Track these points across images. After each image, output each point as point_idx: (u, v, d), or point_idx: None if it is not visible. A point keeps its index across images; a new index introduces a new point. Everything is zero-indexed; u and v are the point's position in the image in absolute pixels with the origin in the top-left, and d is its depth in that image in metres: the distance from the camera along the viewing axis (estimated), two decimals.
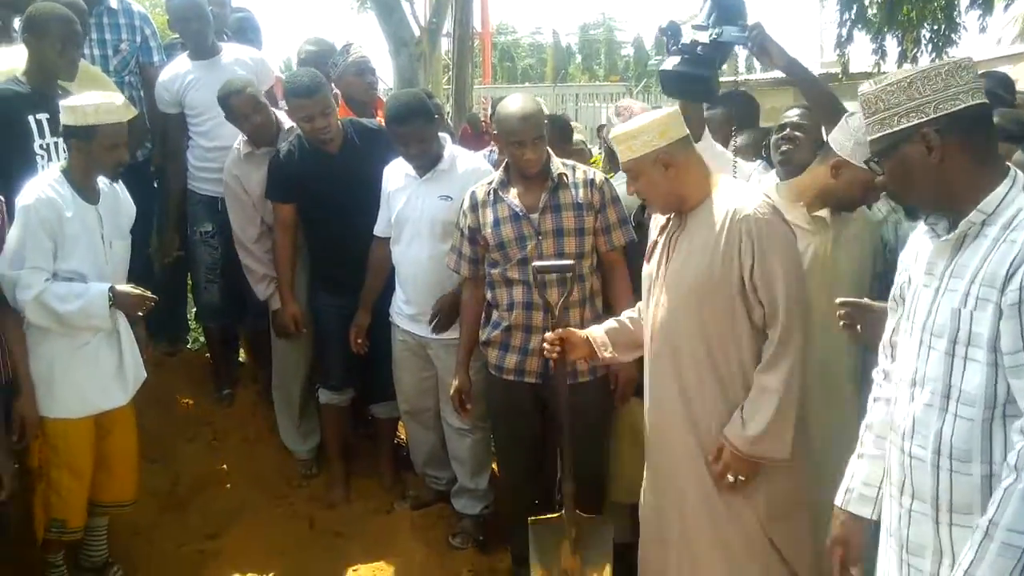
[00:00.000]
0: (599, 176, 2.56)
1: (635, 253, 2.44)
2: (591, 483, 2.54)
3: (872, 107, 1.38)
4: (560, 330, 2.21)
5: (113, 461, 2.55)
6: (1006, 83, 3.04)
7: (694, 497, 1.99)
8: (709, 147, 2.51)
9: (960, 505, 1.32)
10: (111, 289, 2.36)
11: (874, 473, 1.55)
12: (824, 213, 2.09)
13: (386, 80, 8.31)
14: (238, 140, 3.11)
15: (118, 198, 2.56)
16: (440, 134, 2.88)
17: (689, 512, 2.00)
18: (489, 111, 4.95)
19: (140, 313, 2.47)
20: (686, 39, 2.23)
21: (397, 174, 2.85)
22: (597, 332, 2.22)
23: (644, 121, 1.96)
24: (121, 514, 2.70)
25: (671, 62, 2.32)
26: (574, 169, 2.54)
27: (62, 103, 2.37)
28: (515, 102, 2.49)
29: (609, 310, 2.49)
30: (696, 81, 2.28)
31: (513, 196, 2.51)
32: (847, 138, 2.02)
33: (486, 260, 2.57)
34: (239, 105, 3.00)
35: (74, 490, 2.44)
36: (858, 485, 1.58)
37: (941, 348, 1.34)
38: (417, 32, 9.06)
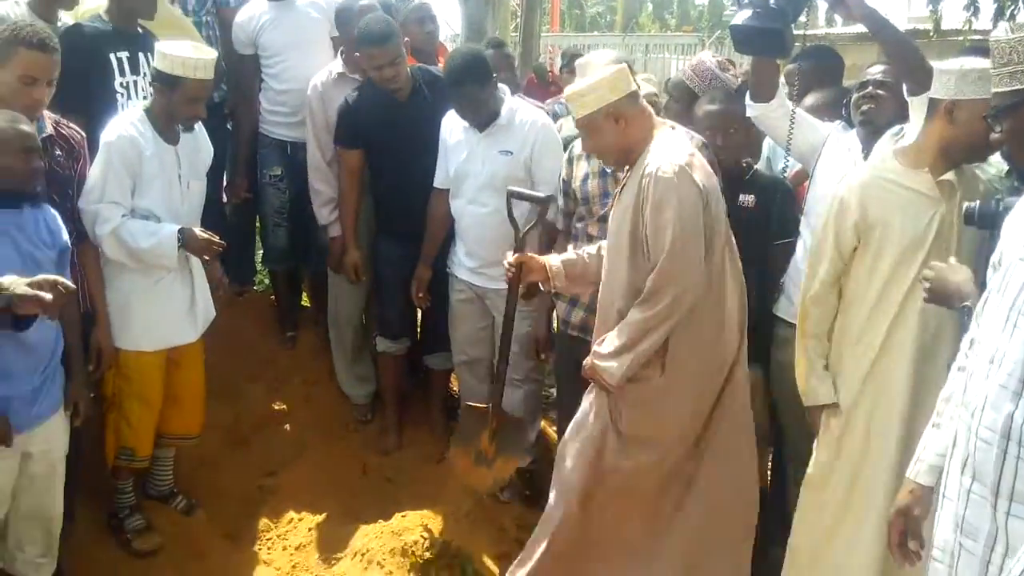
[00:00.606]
0: (696, 139, 2.46)
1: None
2: None
3: (1005, 57, 1.27)
4: (520, 254, 2.30)
5: (182, 395, 2.65)
6: None
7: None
8: (778, 107, 2.41)
9: (1021, 494, 1.27)
10: (181, 231, 2.41)
11: (947, 445, 1.49)
12: (950, 176, 1.93)
13: (453, 26, 8.14)
14: (336, 62, 3.12)
15: (197, 139, 2.60)
16: (500, 86, 2.83)
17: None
18: (557, 61, 4.82)
19: (207, 256, 2.52)
20: None
21: (456, 126, 2.82)
22: (554, 261, 2.33)
23: (594, 79, 2.04)
24: (186, 447, 2.82)
25: (742, 16, 2.23)
26: (672, 128, 2.44)
27: (157, 46, 2.41)
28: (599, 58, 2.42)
29: None
30: (768, 35, 2.18)
31: None
32: (949, 78, 1.85)
33: (575, 215, 2.57)
34: (341, 19, 3.04)
35: (144, 420, 2.55)
36: (930, 456, 1.53)
37: None
38: None
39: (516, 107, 2.80)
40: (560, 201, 2.63)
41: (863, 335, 2.04)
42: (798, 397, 2.18)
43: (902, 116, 2.20)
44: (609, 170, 2.47)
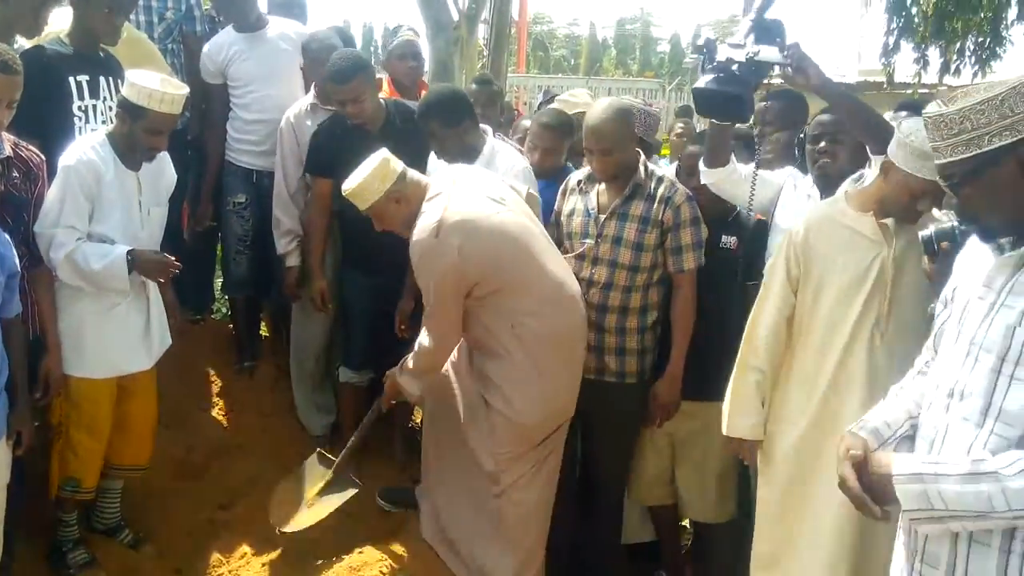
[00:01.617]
0: (680, 194, 2.52)
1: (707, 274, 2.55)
2: (609, 483, 2.62)
3: (955, 127, 1.30)
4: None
5: (132, 424, 2.58)
6: None
7: None
8: (732, 171, 2.47)
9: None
10: (131, 252, 2.38)
11: (896, 417, 1.52)
12: (889, 222, 2.03)
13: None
14: (310, 93, 3.16)
15: (161, 164, 2.57)
16: (482, 126, 2.87)
17: None
18: (524, 100, 4.91)
19: (162, 279, 2.48)
20: (722, 57, 2.17)
21: (441, 162, 2.84)
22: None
23: (364, 175, 2.32)
24: (135, 478, 2.73)
25: (704, 79, 2.25)
26: (660, 181, 2.53)
27: (128, 74, 2.39)
28: (595, 109, 2.51)
29: (667, 330, 2.55)
30: (729, 100, 2.20)
31: (595, 192, 2.57)
32: (895, 143, 1.96)
33: (562, 247, 2.60)
34: (309, 56, 3.09)
35: (91, 450, 2.48)
36: (876, 420, 1.53)
37: (988, 363, 1.30)
38: (456, 17, 9.01)
39: (497, 148, 2.84)
40: (551, 230, 2.66)
41: (810, 374, 2.08)
42: None
43: (857, 160, 2.30)
44: (592, 212, 2.54)
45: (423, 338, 2.40)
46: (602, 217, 2.53)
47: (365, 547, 2.64)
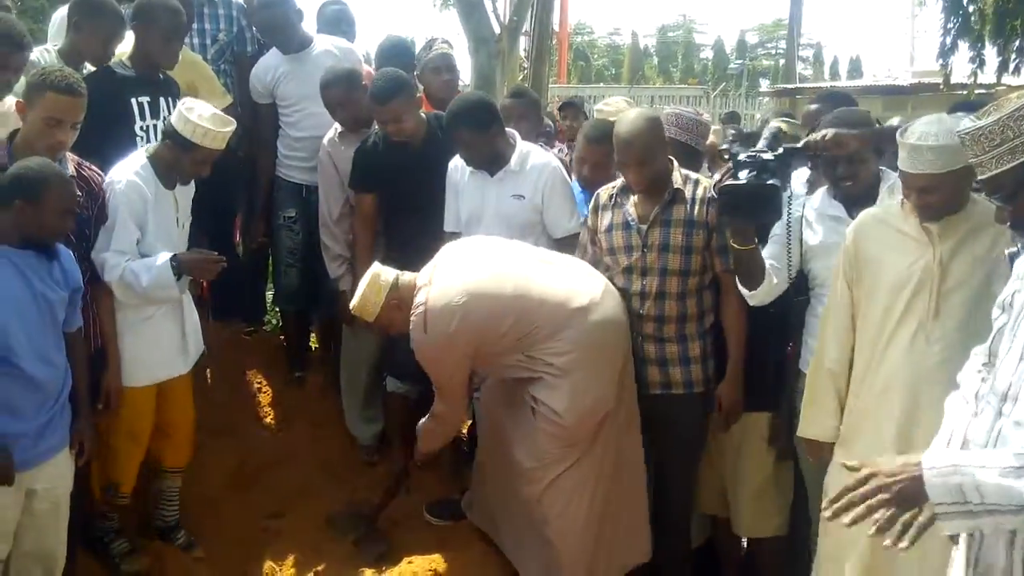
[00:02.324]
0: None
1: None
2: (680, 495, 2.59)
3: (997, 137, 1.30)
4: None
5: (173, 428, 2.66)
6: None
7: None
8: (771, 281, 2.34)
9: None
10: (174, 257, 2.44)
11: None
12: (932, 225, 1.98)
13: (464, 77, 8.36)
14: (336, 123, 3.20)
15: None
16: (508, 131, 2.88)
17: None
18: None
19: (209, 277, 2.56)
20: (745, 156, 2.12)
21: (464, 169, 2.86)
22: None
23: (361, 290, 2.46)
24: (189, 487, 2.80)
25: (730, 179, 2.16)
26: (696, 184, 2.51)
27: (180, 104, 2.48)
28: (624, 121, 2.48)
29: (722, 331, 2.51)
30: (765, 194, 2.07)
31: (631, 204, 2.54)
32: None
33: (602, 264, 2.59)
34: (327, 98, 3.10)
35: (131, 456, 2.56)
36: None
37: None
38: (497, 30, 9.09)
39: (527, 151, 2.85)
40: (589, 250, 2.65)
41: (858, 377, 2.08)
42: None
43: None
44: (633, 223, 2.51)
45: (434, 410, 2.56)
46: (644, 227, 2.49)
47: (413, 557, 2.65)
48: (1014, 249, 1.75)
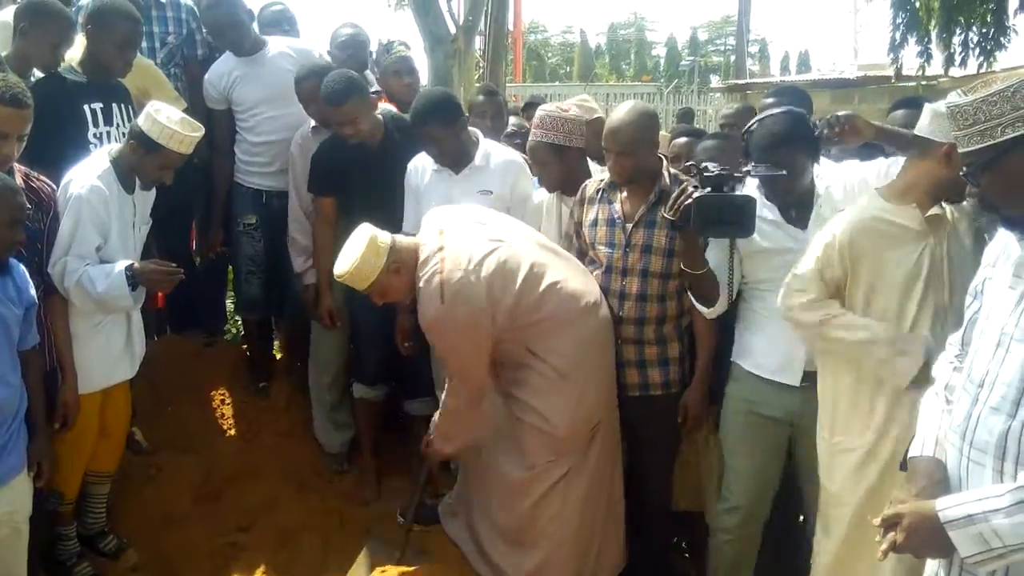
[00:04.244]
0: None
1: None
2: (659, 496, 2.61)
3: (970, 118, 1.34)
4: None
5: (111, 429, 2.61)
6: None
7: None
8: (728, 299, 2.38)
9: None
10: (130, 268, 2.37)
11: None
12: (937, 210, 1.99)
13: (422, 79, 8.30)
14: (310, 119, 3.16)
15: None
16: (472, 129, 2.88)
17: None
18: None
19: (166, 289, 2.53)
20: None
21: (426, 169, 2.85)
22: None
23: (359, 254, 2.24)
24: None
25: (704, 191, 2.12)
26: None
27: (148, 106, 2.41)
28: (618, 111, 2.46)
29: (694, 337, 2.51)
30: (738, 208, 2.08)
31: (618, 200, 2.51)
32: (934, 121, 1.92)
33: (587, 258, 2.56)
34: (300, 92, 3.06)
35: (75, 463, 2.50)
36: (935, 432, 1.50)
37: (1020, 353, 1.30)
38: (453, 30, 9.06)
39: (490, 148, 2.85)
40: (575, 243, 2.62)
41: (868, 374, 2.04)
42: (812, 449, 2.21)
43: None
44: (618, 220, 2.49)
45: (449, 401, 2.39)
46: (629, 226, 2.47)
47: (387, 566, 2.62)
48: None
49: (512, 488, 2.40)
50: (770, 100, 3.14)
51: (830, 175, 2.38)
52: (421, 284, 2.25)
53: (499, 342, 2.32)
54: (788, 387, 2.29)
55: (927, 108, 1.99)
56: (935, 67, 5.99)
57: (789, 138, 2.24)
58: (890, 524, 1.37)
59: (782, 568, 2.56)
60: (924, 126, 1.98)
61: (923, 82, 6.10)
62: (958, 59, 5.65)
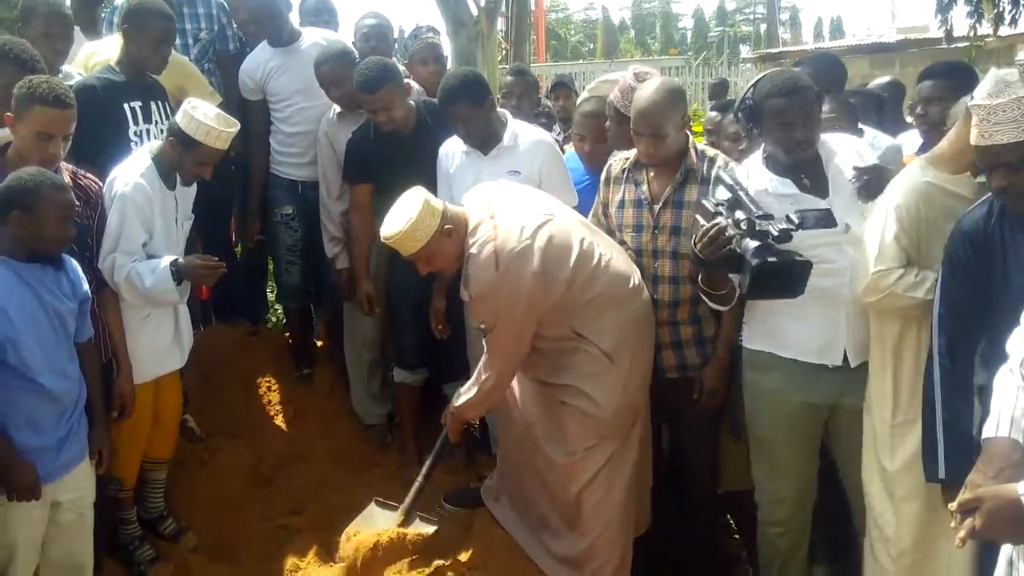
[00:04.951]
0: (733, 170, 2.42)
1: None
2: (704, 477, 2.59)
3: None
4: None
5: (164, 418, 2.69)
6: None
7: None
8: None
9: None
10: (174, 263, 2.44)
11: None
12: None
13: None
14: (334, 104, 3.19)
15: None
16: (500, 110, 2.87)
17: None
18: (545, 91, 4.90)
19: (210, 283, 2.56)
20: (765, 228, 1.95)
21: (456, 152, 2.85)
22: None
23: (414, 214, 2.17)
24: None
25: (757, 257, 1.93)
26: (712, 162, 2.43)
27: (186, 103, 2.46)
28: (645, 90, 2.38)
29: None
30: (795, 272, 1.95)
31: (644, 180, 2.48)
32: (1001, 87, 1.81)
33: (615, 237, 2.53)
34: (320, 77, 3.09)
35: (132, 451, 2.58)
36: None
37: None
38: (475, 12, 9.00)
39: (518, 128, 2.84)
40: (602, 222, 2.59)
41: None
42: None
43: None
44: (645, 201, 2.45)
45: (483, 370, 2.35)
46: (656, 207, 2.43)
47: (436, 548, 2.66)
48: None
49: (556, 474, 2.40)
50: (799, 69, 3.06)
51: (833, 145, 2.27)
52: (472, 250, 2.19)
53: (546, 325, 2.28)
54: (829, 369, 2.23)
55: (992, 73, 1.88)
56: (984, 27, 5.76)
57: (795, 88, 2.13)
58: (967, 509, 1.32)
59: (832, 547, 2.54)
60: (984, 90, 1.87)
61: (976, 43, 5.88)
62: (1008, 17, 5.44)
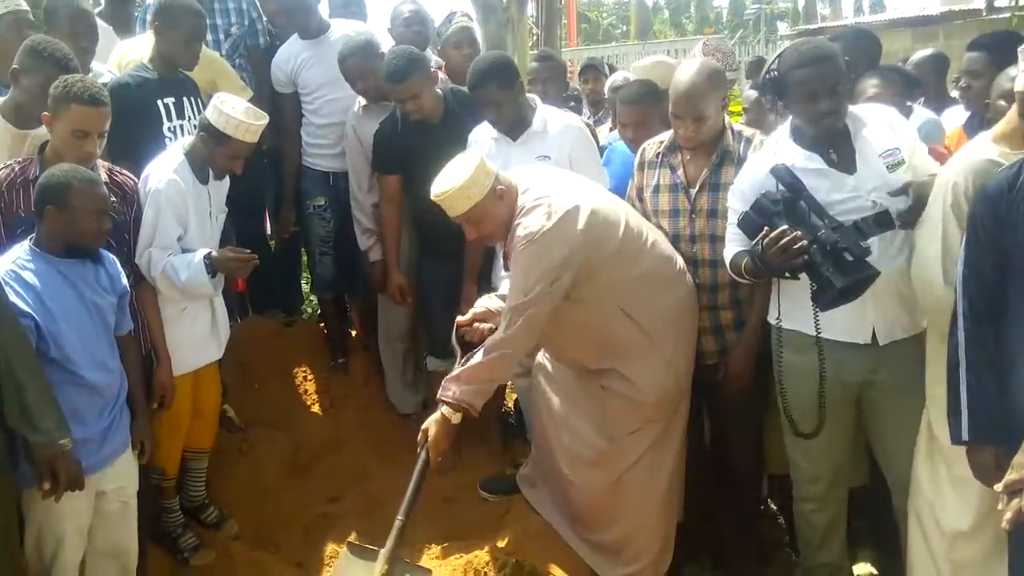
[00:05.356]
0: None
1: None
2: (746, 464, 2.56)
3: None
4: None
5: (204, 409, 2.73)
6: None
7: None
8: None
9: None
10: (208, 256, 2.47)
11: None
12: None
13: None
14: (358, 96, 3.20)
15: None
16: (529, 95, 2.84)
17: None
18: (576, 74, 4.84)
19: (243, 275, 2.60)
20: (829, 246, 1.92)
21: (485, 139, 2.84)
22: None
23: (469, 172, 2.12)
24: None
25: (840, 281, 1.93)
26: (748, 142, 2.39)
27: (215, 98, 2.49)
28: (685, 72, 2.34)
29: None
30: (864, 286, 1.96)
31: (680, 163, 2.44)
32: None
33: (651, 221, 2.49)
34: (345, 70, 3.09)
35: (173, 441, 2.63)
36: None
37: None
38: None
39: (548, 113, 2.81)
40: (637, 206, 2.55)
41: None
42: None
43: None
44: (680, 185, 2.42)
45: (499, 342, 2.18)
46: (693, 190, 2.40)
47: (474, 533, 2.67)
48: None
49: (597, 460, 2.39)
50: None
51: (860, 115, 2.18)
52: (527, 204, 2.16)
53: (593, 298, 2.23)
54: (860, 347, 2.19)
55: None
56: None
57: (819, 58, 2.06)
58: (1014, 490, 1.27)
59: (878, 532, 2.49)
60: None
61: (1018, 12, 5.61)
62: None
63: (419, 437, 2.26)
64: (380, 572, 2.14)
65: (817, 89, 2.05)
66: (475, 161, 2.18)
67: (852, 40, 2.91)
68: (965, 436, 1.82)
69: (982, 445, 1.77)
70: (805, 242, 1.94)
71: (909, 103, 2.67)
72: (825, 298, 1.98)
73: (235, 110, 2.43)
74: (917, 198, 2.02)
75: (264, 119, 2.51)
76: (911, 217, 2.03)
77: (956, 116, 2.98)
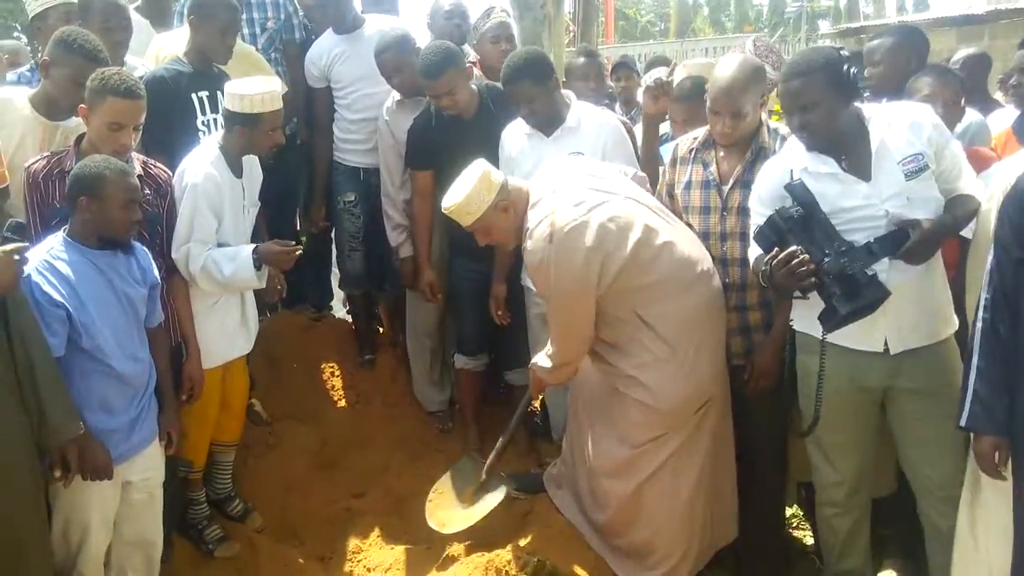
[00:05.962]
0: None
1: None
2: (770, 470, 2.51)
3: None
4: None
5: (232, 401, 2.75)
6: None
7: None
8: None
9: None
10: (256, 250, 2.48)
11: None
12: None
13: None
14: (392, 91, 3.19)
15: (253, 167, 2.68)
16: (564, 92, 2.80)
17: None
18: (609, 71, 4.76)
19: (288, 267, 2.60)
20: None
21: (518, 136, 2.81)
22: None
23: (469, 187, 2.20)
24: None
25: (847, 307, 1.94)
26: (784, 140, 2.33)
27: (227, 88, 2.50)
28: (726, 68, 2.30)
29: None
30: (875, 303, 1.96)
31: (713, 160, 2.40)
32: None
33: (682, 219, 2.46)
34: (381, 65, 3.09)
35: (201, 433, 2.65)
36: None
37: None
38: None
39: (582, 110, 2.78)
40: (667, 203, 2.52)
41: None
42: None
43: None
44: (713, 182, 2.38)
45: (549, 351, 2.34)
46: (725, 188, 2.35)
47: (497, 532, 2.65)
48: None
49: (618, 466, 2.35)
50: (875, 43, 2.86)
51: (882, 118, 2.08)
52: (530, 225, 2.21)
53: (609, 306, 2.24)
54: (876, 354, 2.13)
55: None
56: None
57: (796, 73, 2.00)
58: None
59: (905, 540, 2.43)
60: None
61: None
62: None
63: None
64: (478, 480, 2.67)
65: (787, 104, 2.05)
66: (476, 176, 2.23)
67: (901, 37, 2.82)
68: (961, 422, 1.83)
69: (982, 434, 1.80)
70: (814, 265, 1.93)
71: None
72: (830, 323, 1.99)
73: (248, 87, 2.45)
74: (922, 241, 1.95)
75: (276, 81, 2.52)
76: (911, 254, 1.96)
77: (1005, 117, 2.87)
